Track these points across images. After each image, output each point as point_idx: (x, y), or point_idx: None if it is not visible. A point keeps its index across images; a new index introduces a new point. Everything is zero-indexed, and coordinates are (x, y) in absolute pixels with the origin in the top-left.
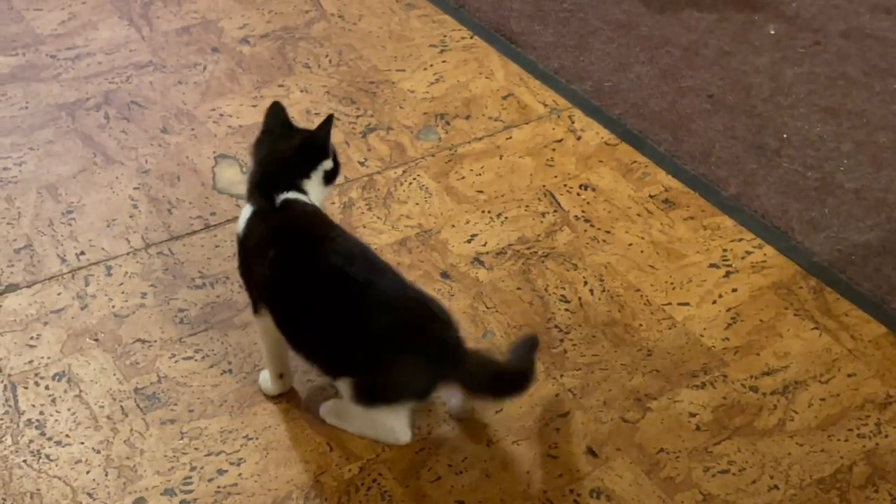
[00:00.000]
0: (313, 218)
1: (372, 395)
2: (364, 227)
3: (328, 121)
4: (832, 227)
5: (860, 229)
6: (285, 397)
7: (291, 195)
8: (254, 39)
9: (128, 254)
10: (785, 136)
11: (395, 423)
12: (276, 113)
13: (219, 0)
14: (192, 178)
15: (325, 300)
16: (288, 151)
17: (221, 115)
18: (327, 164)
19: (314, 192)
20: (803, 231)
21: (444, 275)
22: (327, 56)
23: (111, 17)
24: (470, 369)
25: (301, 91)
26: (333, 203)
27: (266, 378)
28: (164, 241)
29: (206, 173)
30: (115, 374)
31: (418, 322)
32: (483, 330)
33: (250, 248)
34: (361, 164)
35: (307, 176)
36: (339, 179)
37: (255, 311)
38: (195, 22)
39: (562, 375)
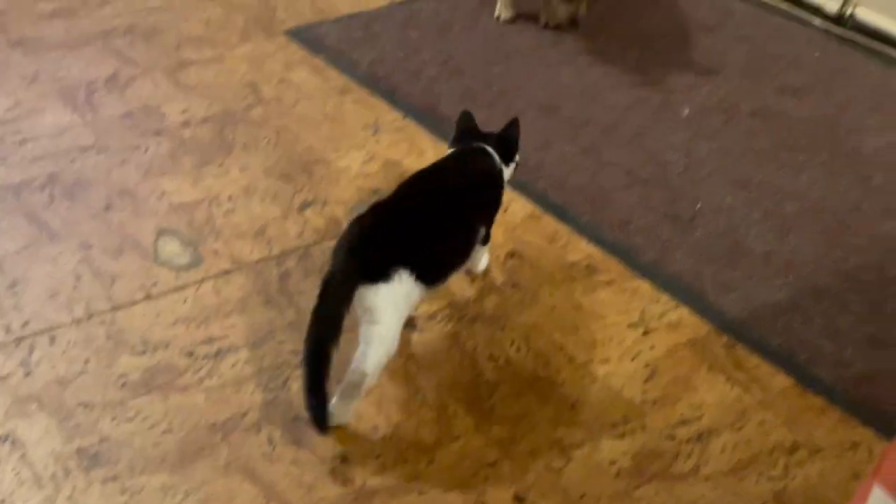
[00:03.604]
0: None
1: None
2: (301, 293)
3: (515, 123)
4: (743, 287)
5: (769, 289)
6: (225, 455)
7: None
8: (195, 123)
9: (71, 323)
10: (698, 206)
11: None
12: (467, 118)
13: (160, 87)
14: (134, 251)
15: None
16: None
17: (163, 192)
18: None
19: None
20: (716, 292)
21: None
22: (265, 137)
23: (56, 104)
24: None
25: (240, 170)
26: (272, 273)
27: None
28: (106, 311)
29: (147, 247)
30: (58, 436)
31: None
32: (415, 389)
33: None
34: (298, 236)
35: (506, 164)
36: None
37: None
38: (137, 107)
39: (490, 428)
